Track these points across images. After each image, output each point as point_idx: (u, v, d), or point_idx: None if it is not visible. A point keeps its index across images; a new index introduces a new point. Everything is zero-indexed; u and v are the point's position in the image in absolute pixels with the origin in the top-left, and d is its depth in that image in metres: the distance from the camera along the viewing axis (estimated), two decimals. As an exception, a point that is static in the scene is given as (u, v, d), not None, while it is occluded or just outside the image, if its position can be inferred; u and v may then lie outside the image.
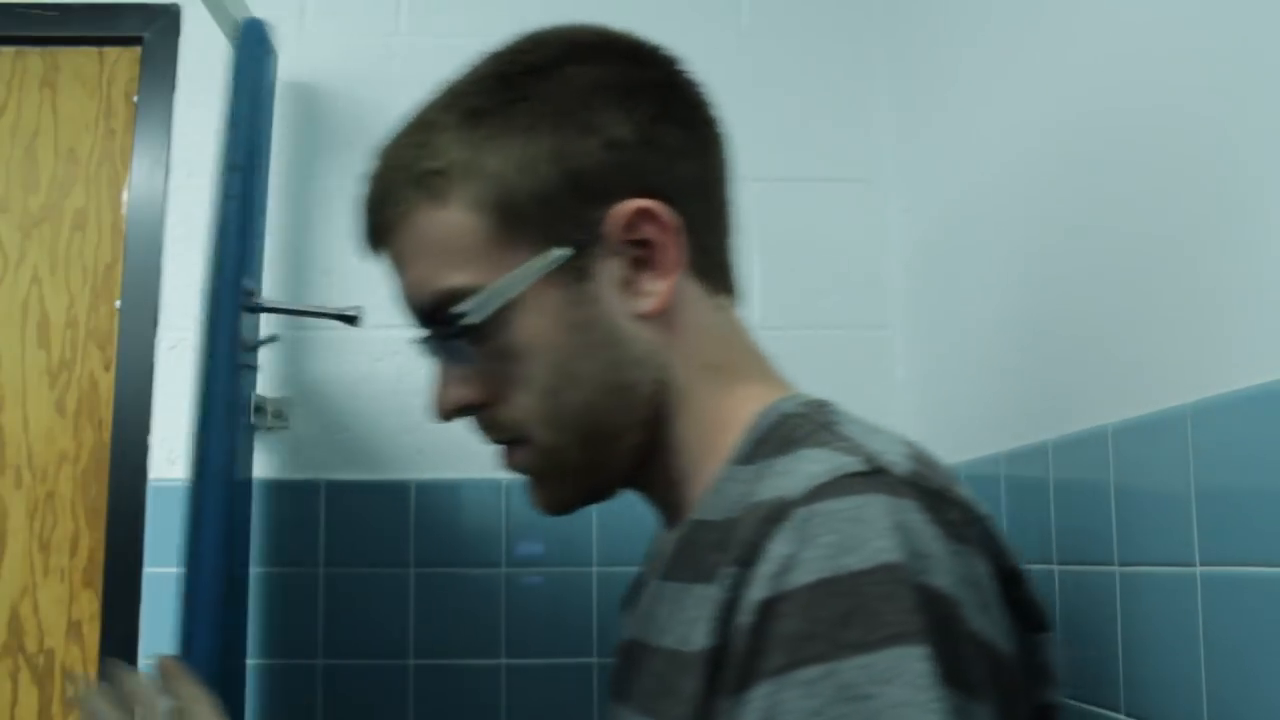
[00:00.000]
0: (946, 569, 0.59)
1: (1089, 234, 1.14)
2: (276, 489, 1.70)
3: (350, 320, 1.55)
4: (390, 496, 1.71)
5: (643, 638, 0.78)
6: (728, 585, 0.62)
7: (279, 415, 1.69)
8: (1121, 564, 1.03)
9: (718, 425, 0.75)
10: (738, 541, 0.62)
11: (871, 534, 0.58)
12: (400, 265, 0.76)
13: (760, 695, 0.57)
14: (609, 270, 0.73)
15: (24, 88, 1.86)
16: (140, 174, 1.80)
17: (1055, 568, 1.17)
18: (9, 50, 1.86)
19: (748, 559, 0.61)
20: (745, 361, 0.79)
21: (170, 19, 1.83)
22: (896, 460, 0.64)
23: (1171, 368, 0.97)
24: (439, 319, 0.73)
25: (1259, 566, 0.82)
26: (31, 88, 1.86)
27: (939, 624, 0.56)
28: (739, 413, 0.75)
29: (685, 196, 0.75)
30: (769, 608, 0.58)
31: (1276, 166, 0.84)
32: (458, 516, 1.71)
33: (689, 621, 0.65)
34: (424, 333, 0.76)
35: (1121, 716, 1.02)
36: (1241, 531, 0.85)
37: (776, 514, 0.61)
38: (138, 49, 1.84)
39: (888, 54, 1.83)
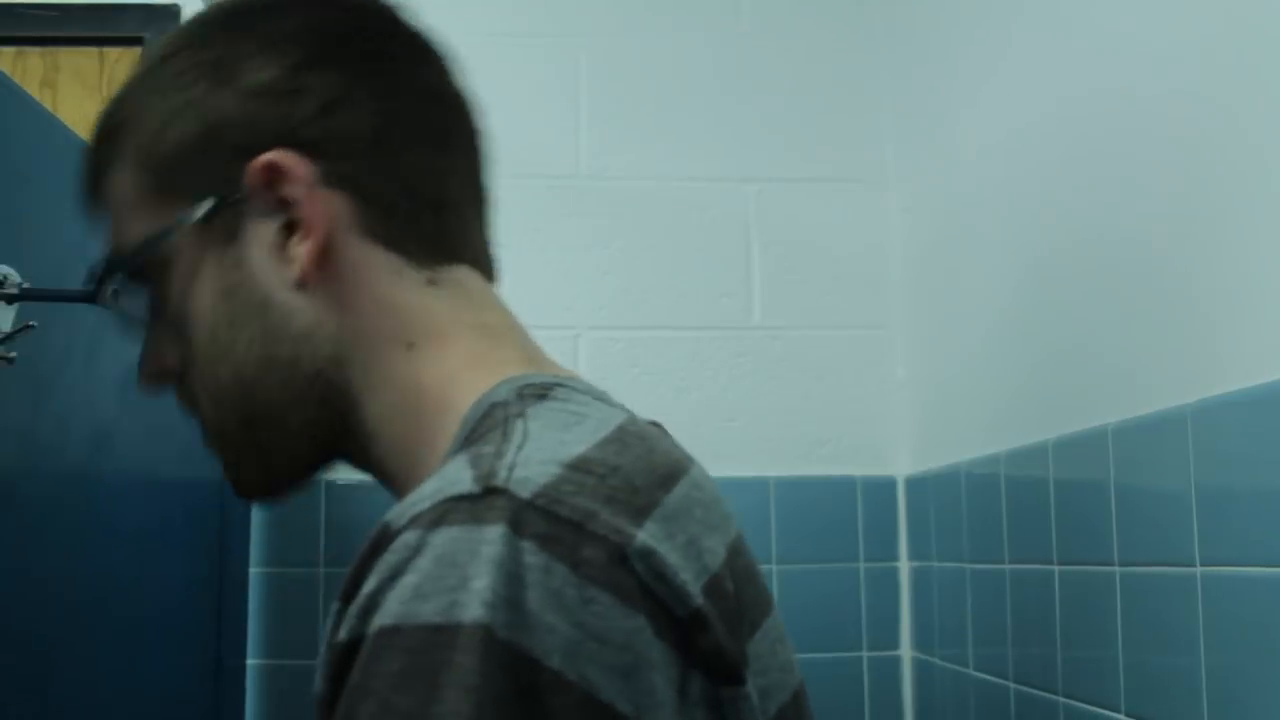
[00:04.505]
0: (551, 626, 0.48)
1: (1089, 234, 1.14)
2: (276, 489, 1.70)
3: None
4: (389, 496, 1.70)
5: None
6: (330, 625, 0.54)
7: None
8: (1121, 564, 1.03)
9: (426, 412, 0.66)
10: (350, 572, 0.54)
11: (456, 579, 0.48)
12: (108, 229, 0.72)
13: None
14: (258, 233, 0.66)
15: (24, 87, 1.86)
16: (140, 174, 1.80)
17: (1055, 568, 1.17)
18: (9, 50, 1.86)
19: (348, 593, 0.53)
20: (470, 341, 0.68)
21: (170, 19, 1.83)
22: (530, 476, 0.52)
23: (1171, 368, 0.97)
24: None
25: (1259, 566, 0.82)
26: (31, 88, 1.86)
27: (515, 698, 0.47)
28: (456, 399, 0.65)
29: (350, 151, 0.67)
30: (346, 653, 0.50)
31: (1273, 169, 0.84)
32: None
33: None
34: (89, 292, 0.71)
35: (1121, 716, 1.02)
36: (1241, 531, 0.85)
37: (377, 542, 0.53)
38: (138, 49, 1.84)
39: (887, 54, 1.83)
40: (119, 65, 1.86)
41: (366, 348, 0.67)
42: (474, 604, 0.48)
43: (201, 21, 0.70)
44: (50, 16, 1.84)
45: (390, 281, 0.67)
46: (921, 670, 1.67)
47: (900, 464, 1.75)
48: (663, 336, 1.75)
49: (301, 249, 0.65)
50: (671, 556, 0.52)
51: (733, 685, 0.54)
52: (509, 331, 0.71)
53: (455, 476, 0.53)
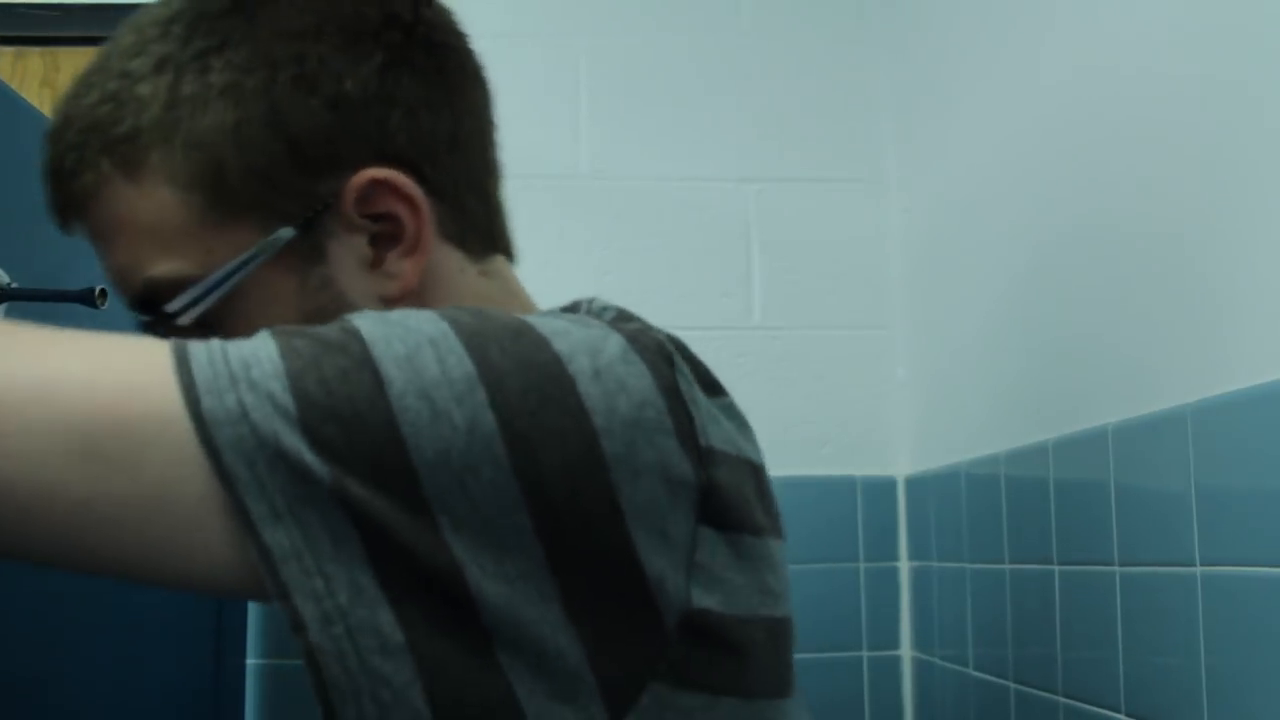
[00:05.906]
0: (575, 346, 0.52)
1: (1089, 234, 1.14)
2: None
3: (89, 301, 1.24)
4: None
5: None
6: None
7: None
8: (1121, 564, 1.03)
9: None
10: None
11: (532, 315, 0.55)
12: (100, 246, 0.64)
13: None
14: (347, 250, 0.62)
15: (24, 88, 1.86)
16: (140, 174, 1.80)
17: (1055, 568, 1.17)
18: (9, 50, 1.86)
19: None
20: None
21: (170, 19, 1.83)
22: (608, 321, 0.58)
23: (1171, 368, 0.97)
24: (154, 312, 0.62)
25: (1259, 566, 0.82)
26: (31, 88, 1.86)
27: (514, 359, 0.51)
28: None
29: (433, 155, 0.64)
30: None
31: (1275, 168, 0.84)
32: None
33: None
34: (146, 322, 0.64)
35: (1121, 716, 1.02)
36: (1241, 531, 0.85)
37: None
38: (138, 49, 1.84)
39: (888, 54, 1.83)
40: (119, 65, 1.86)
41: None
42: (535, 320, 0.53)
43: (227, 12, 0.62)
44: (50, 16, 1.84)
45: (458, 279, 0.66)
46: (921, 670, 1.67)
47: (900, 464, 1.75)
48: (663, 336, 1.75)
49: (405, 264, 0.63)
50: (705, 413, 0.55)
51: (717, 529, 0.53)
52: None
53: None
